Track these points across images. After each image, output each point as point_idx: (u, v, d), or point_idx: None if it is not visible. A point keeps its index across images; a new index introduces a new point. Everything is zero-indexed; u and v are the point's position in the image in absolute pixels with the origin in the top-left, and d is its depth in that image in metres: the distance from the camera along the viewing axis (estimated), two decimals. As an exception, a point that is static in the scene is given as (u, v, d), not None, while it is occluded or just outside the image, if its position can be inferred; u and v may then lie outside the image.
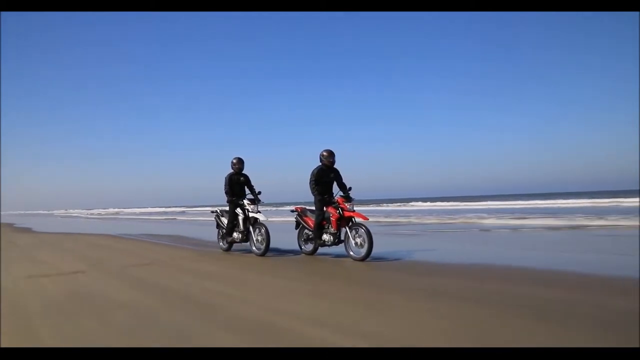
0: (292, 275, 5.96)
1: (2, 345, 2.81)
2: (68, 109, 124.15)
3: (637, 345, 2.58)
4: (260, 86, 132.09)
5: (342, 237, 7.23)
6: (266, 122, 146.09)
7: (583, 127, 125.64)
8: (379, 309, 3.81)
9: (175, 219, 30.66)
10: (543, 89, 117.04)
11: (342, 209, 7.23)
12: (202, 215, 30.88)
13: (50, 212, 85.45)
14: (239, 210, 8.37)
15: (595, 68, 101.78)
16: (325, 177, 7.54)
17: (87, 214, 62.57)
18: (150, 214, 49.55)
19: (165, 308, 4.09)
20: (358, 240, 6.89)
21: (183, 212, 50.06)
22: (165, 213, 49.60)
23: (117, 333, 3.30)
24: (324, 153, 7.58)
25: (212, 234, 9.54)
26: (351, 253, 6.93)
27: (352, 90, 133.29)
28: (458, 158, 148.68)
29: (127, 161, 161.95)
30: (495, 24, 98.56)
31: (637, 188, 30.84)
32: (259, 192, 8.48)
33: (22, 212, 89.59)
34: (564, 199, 36.57)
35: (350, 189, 7.55)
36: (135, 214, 53.37)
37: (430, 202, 45.90)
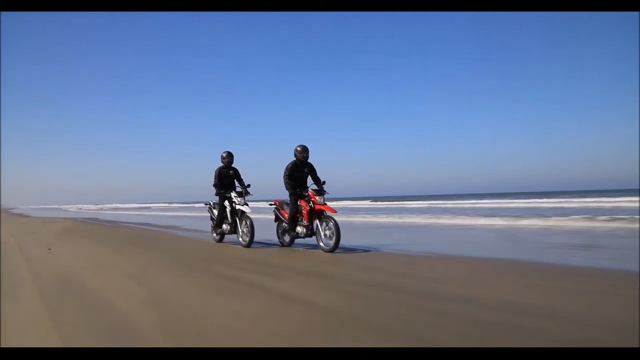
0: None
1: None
2: (96, 105, 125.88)
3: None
4: (256, 82, 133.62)
5: (315, 229, 7.56)
6: (265, 118, 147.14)
7: (583, 127, 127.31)
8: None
9: (142, 213, 37.98)
10: (543, 89, 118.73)
11: (313, 202, 7.58)
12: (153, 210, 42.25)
13: (60, 206, 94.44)
14: (226, 203, 8.75)
15: (596, 67, 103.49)
16: (299, 171, 7.86)
17: (81, 208, 74.49)
18: (133, 209, 59.08)
19: (43, 228, 16.26)
20: (327, 232, 7.26)
21: (149, 208, 59.66)
22: (147, 208, 58.32)
23: (25, 231, 14.59)
24: (298, 148, 7.88)
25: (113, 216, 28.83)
26: (321, 244, 7.32)
27: (350, 89, 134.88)
28: (453, 157, 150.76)
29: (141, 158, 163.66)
30: (496, 24, 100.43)
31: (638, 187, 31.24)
32: (249, 185, 8.83)
33: (39, 206, 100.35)
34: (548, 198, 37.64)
35: (324, 182, 7.86)
36: (126, 208, 65.25)
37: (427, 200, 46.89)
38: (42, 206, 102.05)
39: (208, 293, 4.48)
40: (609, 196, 34.12)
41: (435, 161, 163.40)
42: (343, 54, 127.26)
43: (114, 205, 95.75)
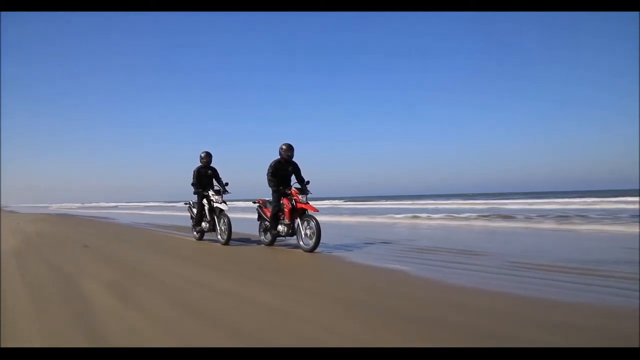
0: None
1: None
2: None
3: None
4: (252, 80, 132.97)
5: (296, 228, 7.46)
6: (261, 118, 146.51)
7: (584, 127, 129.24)
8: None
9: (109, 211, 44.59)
10: (542, 89, 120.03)
11: (295, 201, 7.51)
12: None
13: (48, 205, 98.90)
14: (205, 202, 8.81)
15: (596, 68, 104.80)
16: (283, 170, 7.79)
17: (60, 206, 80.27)
18: (105, 207, 63.86)
19: (22, 218, 23.99)
20: (308, 231, 7.17)
21: (116, 207, 64.09)
22: (115, 207, 62.61)
23: (10, 219, 22.29)
24: (283, 147, 7.79)
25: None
26: (301, 243, 7.22)
27: (349, 88, 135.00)
28: (453, 157, 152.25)
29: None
30: (496, 24, 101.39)
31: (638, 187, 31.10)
32: (227, 184, 8.89)
33: (29, 205, 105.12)
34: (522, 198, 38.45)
35: (308, 182, 7.75)
36: (100, 207, 69.99)
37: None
38: (31, 204, 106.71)
39: (61, 229, 14.84)
40: (599, 196, 33.98)
41: (434, 161, 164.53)
42: (344, 54, 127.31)
43: (100, 204, 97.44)
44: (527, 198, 38.52)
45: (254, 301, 3.83)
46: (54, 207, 73.37)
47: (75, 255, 7.54)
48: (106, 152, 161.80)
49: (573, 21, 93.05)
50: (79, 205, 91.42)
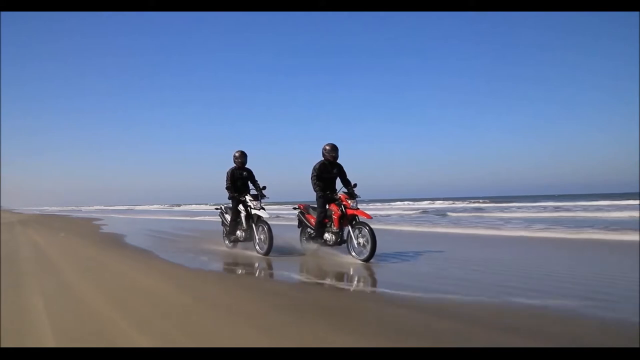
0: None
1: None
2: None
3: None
4: (260, 81, 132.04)
5: (346, 237, 6.90)
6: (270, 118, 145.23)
7: (584, 128, 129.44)
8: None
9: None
10: (542, 89, 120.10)
11: (345, 207, 6.89)
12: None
13: (42, 208, 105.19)
14: (241, 207, 8.02)
15: (596, 68, 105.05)
16: (328, 172, 7.19)
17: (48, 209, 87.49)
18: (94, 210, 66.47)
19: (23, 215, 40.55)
20: (361, 240, 6.54)
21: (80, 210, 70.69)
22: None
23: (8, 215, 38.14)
24: (327, 147, 7.20)
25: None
26: (353, 254, 6.62)
27: (355, 88, 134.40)
28: (454, 157, 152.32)
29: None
30: (496, 24, 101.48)
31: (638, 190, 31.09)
32: (264, 187, 8.11)
33: (32, 207, 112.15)
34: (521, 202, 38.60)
35: (355, 185, 7.16)
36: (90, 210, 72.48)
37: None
38: (33, 207, 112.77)
39: (36, 218, 31.98)
40: (589, 200, 34.01)
41: (435, 161, 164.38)
42: (344, 54, 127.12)
43: (93, 207, 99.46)
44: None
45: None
46: (49, 209, 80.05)
47: (33, 221, 23.14)
48: (106, 152, 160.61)
49: (573, 21, 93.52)
50: (72, 208, 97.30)
